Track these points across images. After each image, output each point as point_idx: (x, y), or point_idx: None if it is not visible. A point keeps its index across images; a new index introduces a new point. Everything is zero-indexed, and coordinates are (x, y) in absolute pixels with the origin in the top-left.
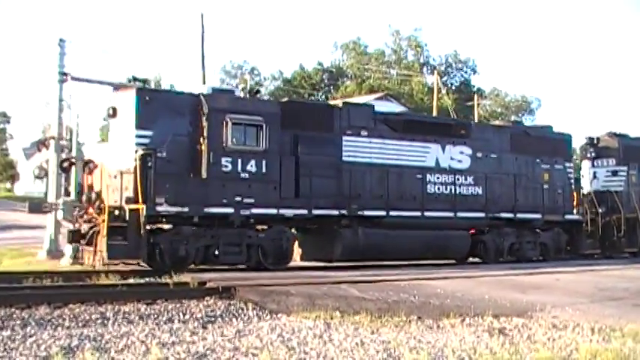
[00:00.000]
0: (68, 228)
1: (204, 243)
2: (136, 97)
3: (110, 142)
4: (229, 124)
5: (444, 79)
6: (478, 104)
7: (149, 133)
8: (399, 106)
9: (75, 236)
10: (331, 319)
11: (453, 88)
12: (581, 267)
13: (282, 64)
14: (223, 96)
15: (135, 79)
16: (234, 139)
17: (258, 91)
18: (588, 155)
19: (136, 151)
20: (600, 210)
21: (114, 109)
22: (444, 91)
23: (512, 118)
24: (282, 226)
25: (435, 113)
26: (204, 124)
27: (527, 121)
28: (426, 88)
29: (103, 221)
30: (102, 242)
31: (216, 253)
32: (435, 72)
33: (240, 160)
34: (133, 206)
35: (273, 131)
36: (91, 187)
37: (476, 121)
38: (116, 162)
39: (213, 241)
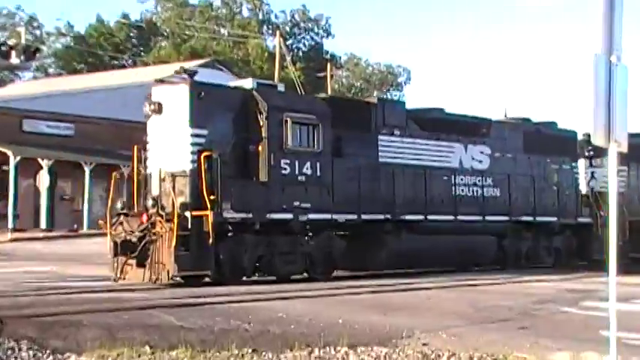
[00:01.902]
0: (114, 241)
1: (260, 252)
2: (190, 93)
3: (152, 141)
4: (289, 123)
5: (290, 42)
6: (332, 75)
7: (204, 132)
8: (231, 77)
9: (124, 248)
10: (139, 356)
11: (301, 54)
12: (456, 281)
13: (72, 15)
14: (278, 92)
15: (185, 70)
16: (293, 140)
17: (37, 50)
18: (586, 153)
19: (194, 152)
20: (602, 213)
21: (159, 105)
22: (288, 58)
23: (375, 93)
24: (330, 232)
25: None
26: (263, 122)
27: (394, 97)
28: (266, 53)
29: (171, 230)
30: (167, 254)
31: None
32: (278, 33)
33: (297, 162)
34: (199, 213)
35: (326, 131)
36: (132, 193)
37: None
38: (162, 164)
39: (268, 250)
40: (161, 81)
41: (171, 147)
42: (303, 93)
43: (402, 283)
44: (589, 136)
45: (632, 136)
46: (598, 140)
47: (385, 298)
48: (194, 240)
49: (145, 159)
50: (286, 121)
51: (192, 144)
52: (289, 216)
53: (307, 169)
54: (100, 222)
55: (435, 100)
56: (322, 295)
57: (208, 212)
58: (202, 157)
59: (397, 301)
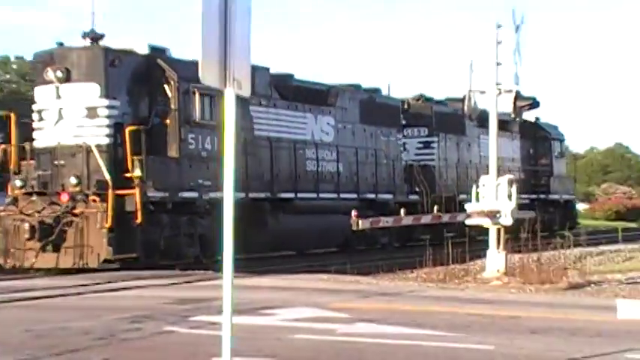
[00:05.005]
0: (28, 223)
1: (167, 233)
2: (103, 59)
3: (48, 111)
4: (197, 94)
5: None
6: None
7: (117, 103)
8: None
9: (44, 232)
10: None
11: None
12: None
13: None
14: (180, 60)
15: (94, 33)
16: (200, 113)
17: None
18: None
19: (109, 125)
20: (417, 188)
21: (67, 71)
22: None
23: None
24: (218, 212)
25: None
26: (173, 93)
27: None
28: None
29: (104, 210)
30: (98, 236)
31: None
32: None
33: (200, 137)
34: (124, 191)
35: (220, 102)
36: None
37: None
38: (66, 137)
39: (172, 231)
40: (61, 44)
41: (77, 119)
42: None
43: None
44: (401, 103)
45: (442, 104)
46: (210, 79)
47: None
48: (119, 221)
49: (32, 130)
50: (194, 92)
51: (107, 116)
52: (195, 194)
53: (208, 143)
54: None
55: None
56: None
57: (135, 191)
58: (128, 131)
59: None
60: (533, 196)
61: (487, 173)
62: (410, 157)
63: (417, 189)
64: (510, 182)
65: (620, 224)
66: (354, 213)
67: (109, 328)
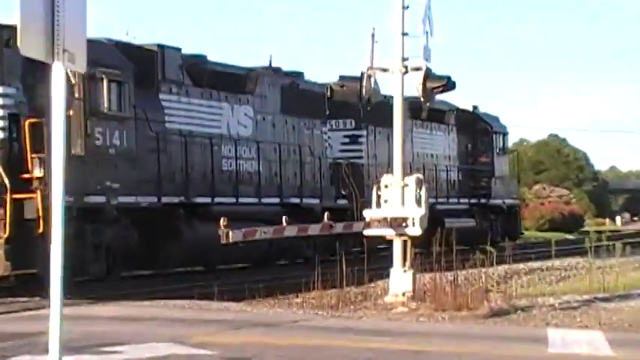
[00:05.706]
0: None
1: (72, 245)
2: None
3: None
4: (105, 81)
5: None
6: None
7: (12, 90)
8: None
9: None
10: None
11: None
12: None
13: None
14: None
15: None
16: (107, 102)
17: None
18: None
19: (3, 117)
20: (343, 191)
21: None
22: None
23: None
24: (126, 219)
25: None
26: (75, 79)
27: None
28: None
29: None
30: None
31: None
32: None
33: (108, 131)
34: (22, 195)
35: (131, 90)
36: None
37: None
38: None
39: (77, 243)
40: None
41: None
42: None
43: None
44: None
45: (341, 82)
46: (32, 50)
47: None
48: (16, 230)
49: None
50: (101, 78)
51: (1, 106)
52: (103, 199)
53: (116, 138)
54: None
55: None
56: None
57: (36, 194)
58: (28, 124)
59: None
60: (473, 201)
61: (419, 172)
62: (334, 154)
63: (344, 192)
64: (419, 183)
65: (555, 235)
66: (222, 222)
67: None
